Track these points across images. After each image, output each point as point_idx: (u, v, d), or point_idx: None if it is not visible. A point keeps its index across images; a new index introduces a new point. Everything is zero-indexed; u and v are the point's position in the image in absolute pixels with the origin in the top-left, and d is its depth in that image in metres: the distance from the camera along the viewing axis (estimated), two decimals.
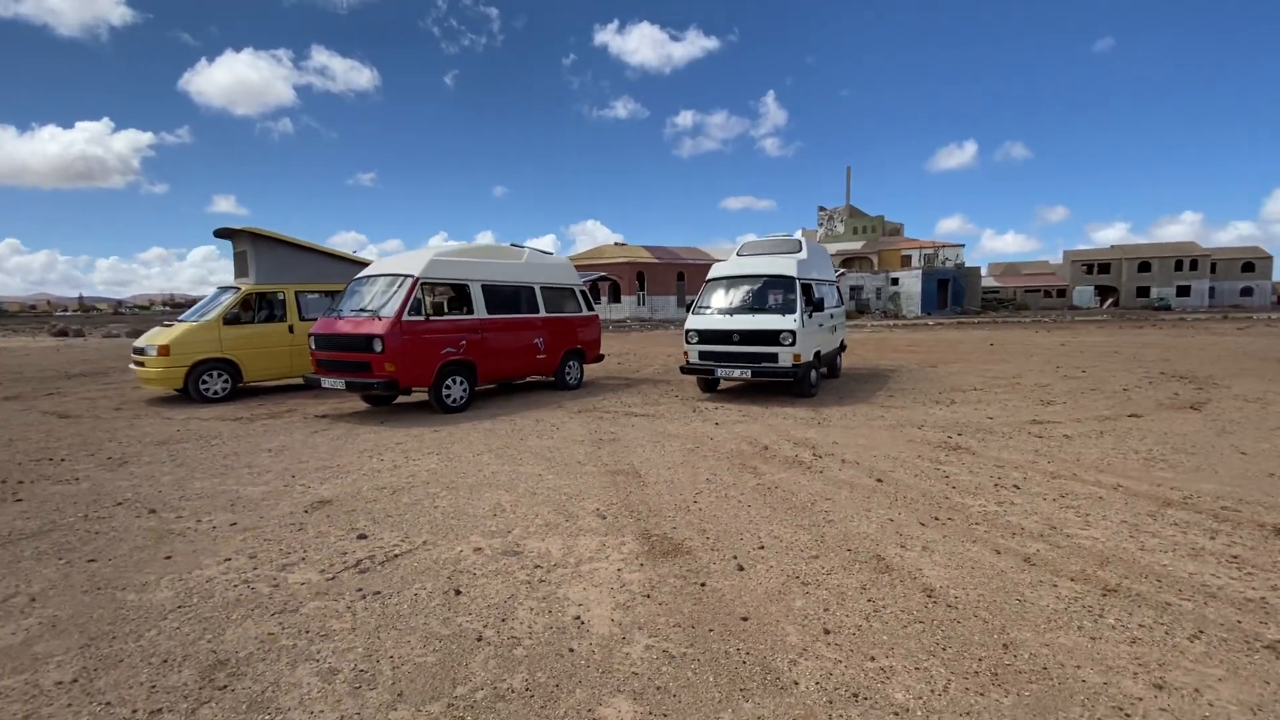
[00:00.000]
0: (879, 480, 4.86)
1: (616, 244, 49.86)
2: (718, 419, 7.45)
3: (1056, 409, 7.81)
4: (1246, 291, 61.36)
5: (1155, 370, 11.41)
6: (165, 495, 4.74)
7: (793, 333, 8.15)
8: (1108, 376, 10.69)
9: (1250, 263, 61.63)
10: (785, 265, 9.00)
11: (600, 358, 10.97)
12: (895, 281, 52.60)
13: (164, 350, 8.98)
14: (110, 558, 3.58)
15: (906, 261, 60.82)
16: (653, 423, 7.30)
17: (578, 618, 2.82)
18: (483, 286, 8.62)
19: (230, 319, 9.53)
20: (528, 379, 10.13)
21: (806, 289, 8.71)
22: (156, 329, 9.96)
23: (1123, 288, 64.37)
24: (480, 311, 8.48)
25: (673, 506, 4.31)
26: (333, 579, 3.26)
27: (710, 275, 9.50)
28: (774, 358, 8.28)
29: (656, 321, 39.53)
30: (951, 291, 51.68)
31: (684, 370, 8.96)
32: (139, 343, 9.52)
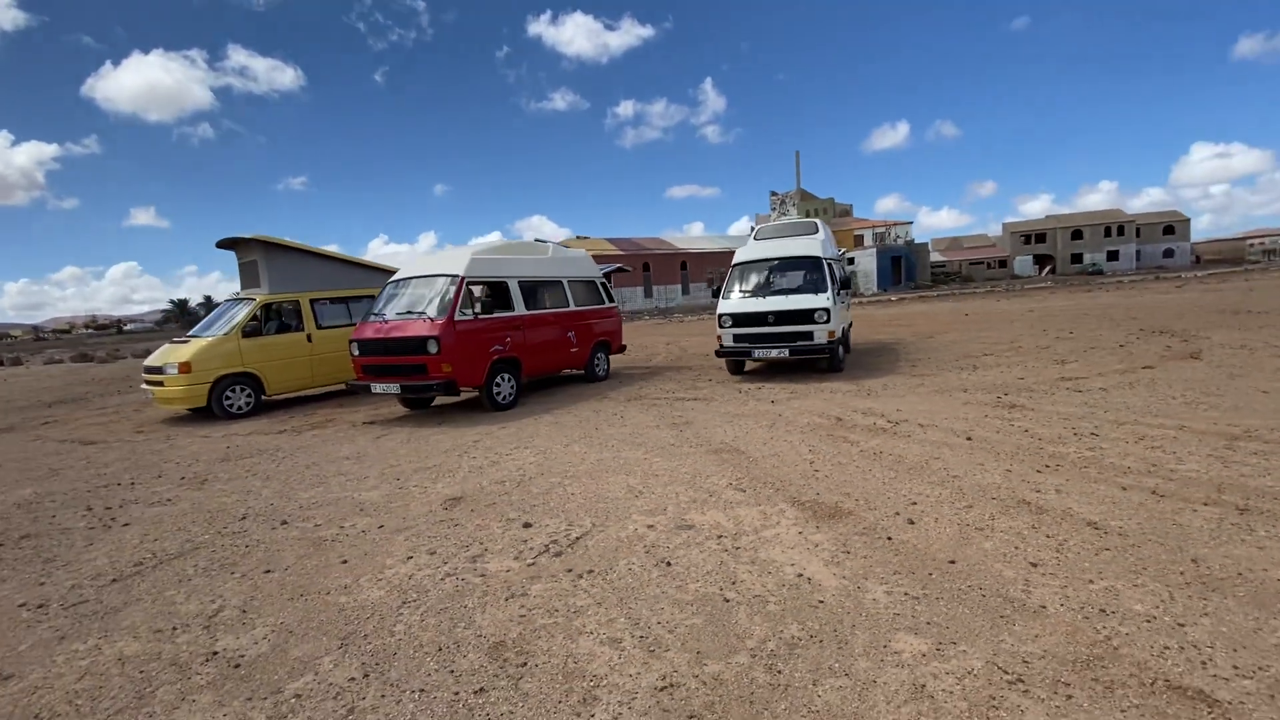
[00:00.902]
0: (969, 439, 5.20)
1: (578, 237, 49.64)
2: (770, 397, 7.71)
3: (1074, 366, 8.40)
4: (1168, 253, 65.81)
5: (1134, 327, 12.30)
6: (283, 507, 4.68)
7: (827, 310, 8.48)
8: (1097, 335, 11.47)
9: (1170, 225, 66.14)
10: (810, 246, 9.33)
11: (623, 348, 11.09)
12: (851, 260, 54.14)
13: (185, 367, 8.65)
14: (284, 567, 3.56)
15: (859, 241, 62.68)
16: (710, 405, 7.51)
17: (801, 574, 3.02)
18: (519, 283, 8.63)
19: (249, 331, 9.23)
20: (560, 373, 10.16)
21: (829, 268, 9.06)
22: (167, 346, 9.57)
23: (1058, 255, 68.04)
24: (519, 308, 8.50)
25: (798, 475, 4.54)
26: (533, 564, 3.35)
27: (735, 260, 9.75)
28: (809, 335, 8.60)
29: (629, 313, 39.66)
30: (905, 268, 53.58)
31: (719, 354, 9.19)
32: (152, 361, 9.13)
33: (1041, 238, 69.53)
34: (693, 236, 56.86)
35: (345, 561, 3.58)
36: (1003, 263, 70.92)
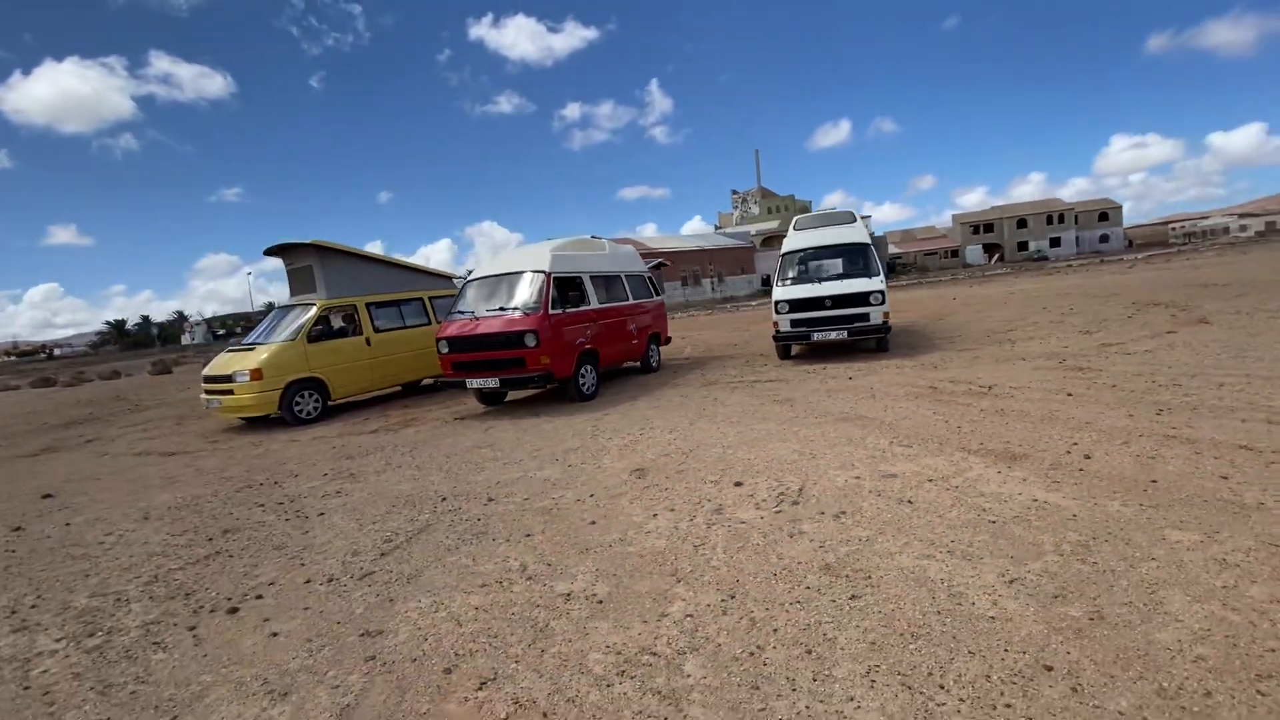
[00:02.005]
0: (1069, 395, 5.82)
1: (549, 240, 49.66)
2: (845, 375, 8.23)
3: (1102, 335, 9.22)
4: (1104, 238, 70.14)
5: (1124, 302, 13.39)
6: (471, 488, 4.91)
7: (882, 293, 9.09)
8: (1098, 310, 12.47)
9: (1105, 213, 70.56)
10: (856, 233, 9.95)
11: (669, 340, 11.49)
12: None
13: (257, 373, 8.62)
14: (539, 532, 3.84)
15: None
16: (791, 385, 7.98)
17: (1034, 500, 3.49)
18: (590, 278, 8.93)
19: (314, 336, 9.24)
20: (623, 365, 10.47)
21: (875, 254, 9.69)
22: (227, 355, 9.48)
23: (1005, 243, 71.63)
24: (593, 302, 8.80)
25: (945, 432, 5.04)
26: (780, 511, 3.73)
27: (784, 249, 10.27)
28: (866, 317, 9.18)
29: None
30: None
31: (777, 338, 9.70)
32: (215, 371, 9.04)
33: (990, 227, 73.04)
34: (661, 236, 57.50)
35: (594, 523, 3.88)
36: (954, 252, 74.16)
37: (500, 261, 8.85)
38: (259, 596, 3.35)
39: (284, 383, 8.83)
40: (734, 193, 75.03)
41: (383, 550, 3.80)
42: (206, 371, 9.24)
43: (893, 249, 76.52)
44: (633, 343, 9.85)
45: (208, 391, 9.10)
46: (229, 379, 8.72)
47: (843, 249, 9.90)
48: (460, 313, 8.27)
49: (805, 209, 75.32)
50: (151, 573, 3.84)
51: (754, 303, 37.44)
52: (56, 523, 5.21)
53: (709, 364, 10.97)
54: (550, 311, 7.73)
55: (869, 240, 9.74)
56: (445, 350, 8.07)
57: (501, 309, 7.93)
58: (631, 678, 2.30)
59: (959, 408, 5.79)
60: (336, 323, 9.74)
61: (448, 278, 11.94)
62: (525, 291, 7.93)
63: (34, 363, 77.50)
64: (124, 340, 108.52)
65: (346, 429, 8.26)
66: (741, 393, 7.77)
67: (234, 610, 3.22)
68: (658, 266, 11.74)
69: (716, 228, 73.10)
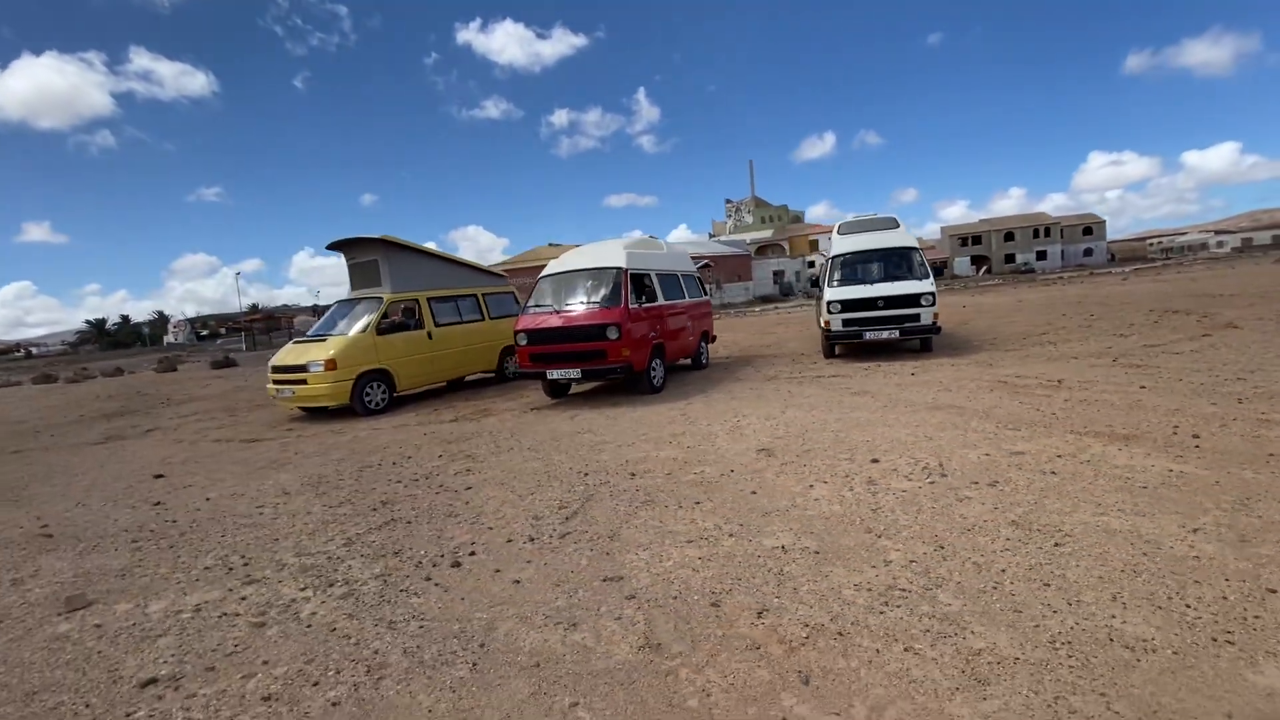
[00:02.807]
0: (1143, 387, 6.24)
1: (551, 244, 49.85)
2: (907, 371, 8.61)
3: (1139, 338, 9.72)
4: (1088, 252, 71.93)
5: (1143, 308, 13.99)
6: (605, 466, 5.17)
7: (932, 294, 9.51)
8: (1120, 316, 13.03)
9: (1089, 227, 72.43)
10: (903, 238, 10.39)
11: (715, 338, 11.82)
12: (811, 264, 56.58)
13: (331, 364, 8.79)
14: (706, 500, 4.13)
15: (814, 246, 65.42)
16: (854, 380, 8.34)
17: (1170, 470, 3.86)
18: (656, 275, 9.24)
19: (383, 329, 9.44)
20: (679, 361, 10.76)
21: (923, 257, 10.12)
22: (294, 346, 9.65)
23: (993, 255, 73.15)
24: (660, 299, 9.11)
25: (1044, 417, 5.41)
26: (934, 482, 4.06)
27: (834, 253, 10.66)
28: (916, 318, 9.59)
29: None
30: None
31: (830, 337, 10.07)
32: (286, 361, 9.20)
33: (977, 239, 74.56)
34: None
35: (754, 493, 4.18)
36: (943, 264, 75.51)
37: (574, 258, 9.13)
38: (471, 554, 3.60)
39: (356, 374, 9.01)
40: (728, 202, 75.94)
41: (565, 515, 4.07)
42: (275, 362, 9.38)
43: None
44: (689, 339, 10.17)
45: (277, 382, 9.25)
46: (302, 369, 8.88)
47: (891, 252, 10.32)
48: (538, 306, 8.53)
49: (797, 219, 76.34)
50: (342, 537, 4.06)
51: (757, 308, 37.94)
52: (192, 498, 5.38)
53: (753, 362, 11.31)
54: (629, 306, 8.03)
55: (916, 244, 10.17)
56: (524, 342, 8.32)
57: (581, 303, 8.21)
58: (897, 606, 2.61)
59: (1039, 399, 6.18)
60: (401, 317, 9.93)
61: (500, 275, 12.18)
62: (605, 287, 8.23)
63: (14, 360, 75.82)
64: (104, 340, 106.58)
65: (421, 419, 8.46)
66: (810, 386, 8.11)
67: (457, 564, 3.46)
68: (705, 267, 12.08)
69: (711, 235, 73.85)
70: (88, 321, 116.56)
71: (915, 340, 10.18)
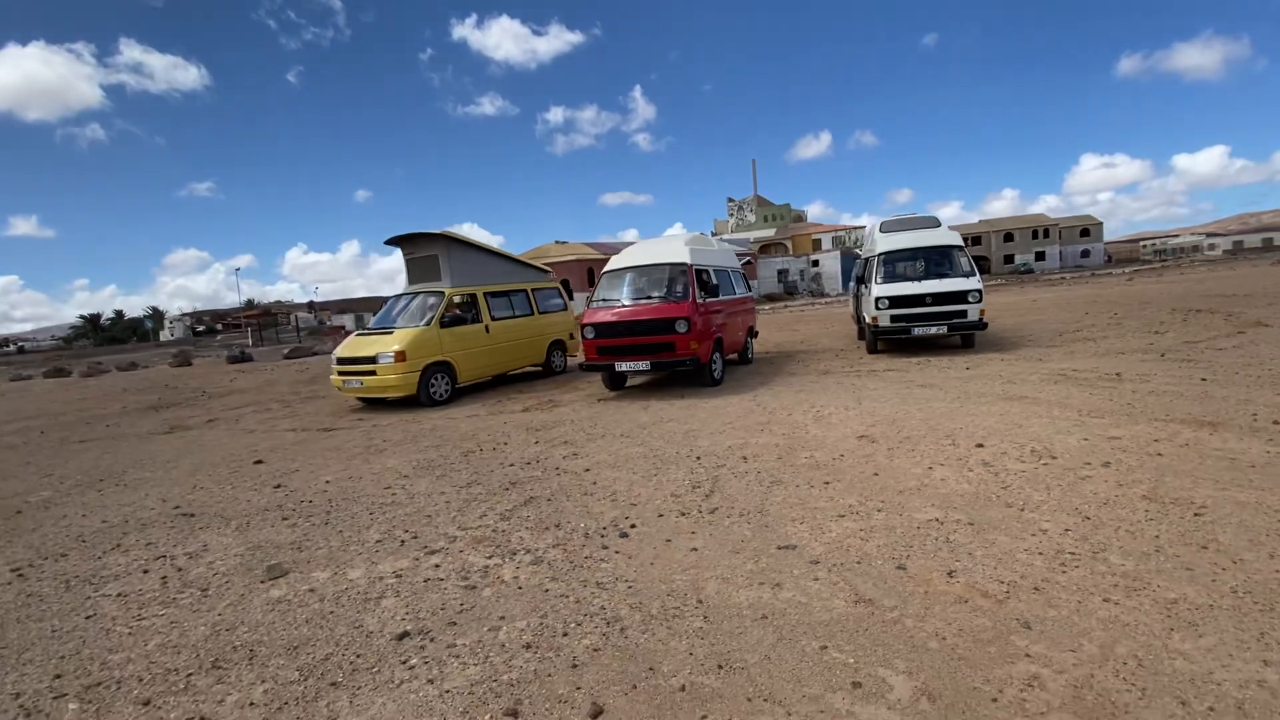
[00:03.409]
0: (1204, 379, 6.56)
1: (558, 242, 50.02)
2: (963, 365, 8.91)
3: (1175, 335, 10.05)
4: (1085, 254, 72.82)
5: (1164, 308, 14.37)
6: (713, 450, 5.43)
7: (980, 291, 9.82)
8: (1147, 315, 13.39)
9: (1086, 229, 73.34)
10: (948, 236, 10.69)
11: (756, 334, 12.10)
12: (816, 263, 57.02)
13: (401, 355, 9.00)
14: (835, 480, 4.39)
15: (817, 245, 65.89)
16: (909, 374, 8.62)
17: (1268, 451, 4.16)
18: (713, 271, 9.50)
19: (446, 322, 9.65)
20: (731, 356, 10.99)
21: (968, 255, 10.43)
22: (356, 338, 9.85)
23: (992, 256, 73.90)
24: (718, 294, 9.37)
25: (1119, 407, 5.71)
26: (1046, 464, 4.34)
27: (879, 250, 10.94)
28: (964, 314, 9.90)
29: None
30: None
31: (878, 333, 10.36)
32: (353, 353, 9.39)
33: (977, 240, 75.25)
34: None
35: (876, 475, 4.45)
36: None
37: (637, 255, 9.37)
38: (632, 526, 3.85)
39: (423, 365, 9.23)
40: (730, 200, 76.25)
41: (703, 494, 4.32)
42: (341, 354, 9.57)
43: None
44: (739, 334, 10.44)
45: (343, 373, 9.45)
46: (372, 360, 9.08)
47: (937, 250, 10.62)
48: (604, 301, 8.77)
49: (799, 218, 76.80)
50: (493, 513, 4.30)
51: (767, 307, 38.25)
52: (308, 481, 5.59)
53: (795, 357, 11.59)
54: (696, 301, 8.29)
55: (961, 242, 10.48)
56: (591, 336, 8.56)
57: (648, 298, 8.46)
58: (1075, 567, 2.88)
59: (1107, 390, 6.48)
60: (460, 310, 10.14)
61: (546, 270, 12.41)
62: (671, 282, 8.48)
63: (5, 356, 75.17)
64: (98, 335, 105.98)
65: (490, 410, 8.69)
66: (871, 379, 8.39)
67: (624, 535, 3.71)
68: (747, 263, 12.35)
69: (713, 234, 74.20)
70: (81, 316, 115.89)
71: (955, 336, 10.50)
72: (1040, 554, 3.04)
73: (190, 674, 2.60)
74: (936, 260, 10.59)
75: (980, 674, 2.19)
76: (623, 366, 8.34)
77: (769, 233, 67.67)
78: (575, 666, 2.43)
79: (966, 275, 10.08)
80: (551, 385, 10.58)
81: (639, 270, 8.93)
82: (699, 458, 5.23)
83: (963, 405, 6.35)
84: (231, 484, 5.74)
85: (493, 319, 10.50)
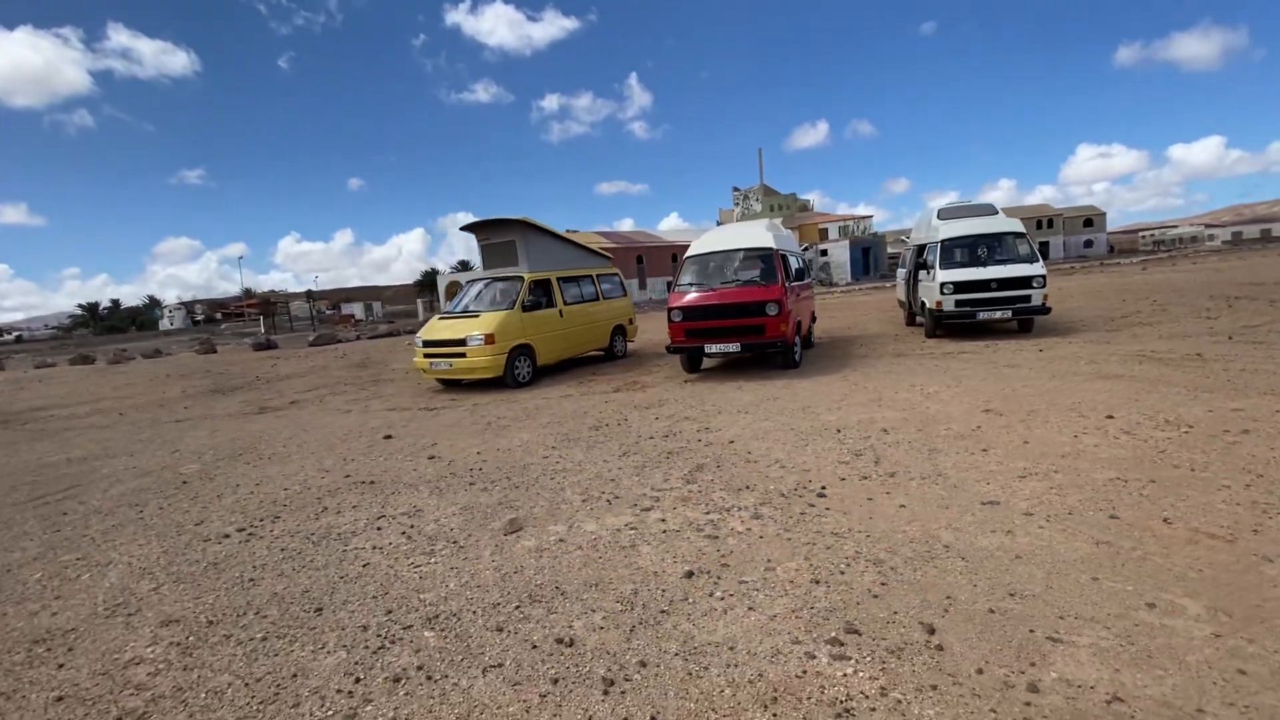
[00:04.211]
0: None
1: (569, 231, 50.14)
2: (1035, 348, 9.23)
3: (1228, 321, 10.40)
4: (1088, 244, 73.29)
5: (1201, 295, 14.74)
6: (844, 424, 5.74)
7: (1044, 276, 10.13)
8: (1187, 302, 13.74)
9: (1089, 219, 73.81)
10: (1009, 223, 10.99)
11: (815, 319, 12.40)
12: (825, 253, 57.24)
13: (490, 338, 9.26)
14: (1006, 449, 4.71)
15: (823, 234, 66.08)
16: (982, 355, 8.95)
17: None
18: (786, 255, 9.78)
19: (527, 306, 9.91)
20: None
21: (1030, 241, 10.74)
22: (439, 322, 10.10)
23: None
24: (794, 279, 9.66)
25: (1220, 383, 6.04)
26: (1186, 432, 4.66)
27: (941, 237, 11.21)
28: (1028, 299, 10.22)
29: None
30: (873, 259, 57.22)
31: (943, 317, 10.67)
32: (441, 335, 9.65)
33: None
34: (683, 228, 58.49)
35: (1026, 443, 4.77)
36: None
37: (719, 239, 9.65)
38: (823, 488, 4.15)
39: (509, 347, 9.49)
40: (735, 189, 76.35)
41: (871, 460, 4.63)
42: (426, 337, 9.83)
43: (890, 249, 78.59)
44: (807, 319, 10.74)
45: (430, 355, 9.70)
46: (462, 342, 9.34)
47: (1000, 236, 10.92)
48: (690, 285, 9.05)
49: (805, 208, 76.96)
50: (674, 477, 4.60)
51: None
52: (456, 453, 5.87)
53: (854, 342, 11.89)
54: (785, 284, 8.58)
55: (1023, 229, 10.79)
56: (679, 319, 8.83)
57: (734, 282, 8.74)
58: (1270, 521, 3.20)
59: (1197, 369, 6.82)
60: (539, 295, 10.40)
61: (607, 257, 12.66)
62: (757, 266, 8.76)
63: (5, 345, 74.81)
64: (97, 325, 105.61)
65: (581, 391, 8.97)
66: (953, 360, 8.71)
67: (822, 495, 4.02)
68: (806, 249, 12.62)
69: (719, 223, 74.29)
70: (80, 306, 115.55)
71: (1012, 322, 10.83)
72: (1238, 505, 3.36)
73: (517, 605, 2.89)
74: (999, 246, 10.89)
75: (1254, 595, 2.51)
76: (712, 349, 8.62)
77: (776, 222, 67.92)
78: (876, 596, 2.74)
79: (1029, 260, 10.40)
80: (621, 369, 10.86)
81: (726, 255, 9.20)
82: (838, 430, 5.54)
83: (1064, 383, 6.68)
84: (383, 456, 6.01)
85: (565, 304, 10.76)
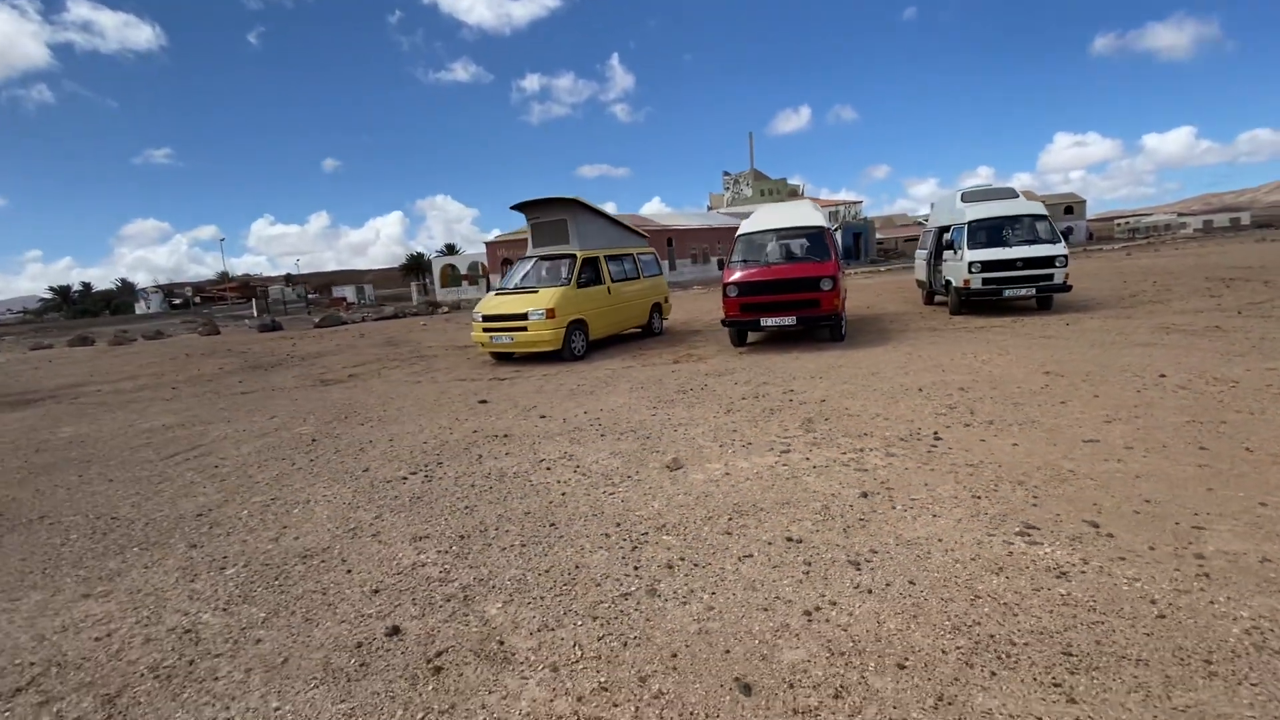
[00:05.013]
0: None
1: None
2: (1062, 322, 9.92)
3: (1231, 299, 11.18)
4: (1069, 231, 75.06)
5: (1195, 278, 15.63)
6: (922, 385, 6.32)
7: (1066, 256, 10.82)
8: (1185, 284, 14.59)
9: (1070, 206, 75.60)
10: (1032, 206, 11.67)
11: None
12: None
13: (551, 313, 9.69)
14: (1092, 402, 5.31)
15: None
16: (1021, 328, 9.61)
17: None
18: (838, 235, 10.33)
19: (581, 283, 10.34)
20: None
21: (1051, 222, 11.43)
22: (496, 298, 10.49)
23: None
24: (842, 257, 10.21)
25: (1250, 350, 6.72)
26: (1234, 387, 5.31)
27: (968, 218, 11.83)
28: (1050, 277, 10.91)
29: None
30: (864, 244, 58.19)
31: (973, 295, 11.31)
32: (501, 310, 10.05)
33: None
34: (670, 213, 58.74)
35: (1097, 396, 5.38)
36: None
37: (770, 218, 10.17)
38: (936, 434, 4.71)
39: (567, 321, 9.94)
40: (725, 174, 76.75)
41: (966, 410, 5.21)
42: (486, 312, 10.22)
43: (877, 234, 79.68)
44: (846, 295, 11.32)
45: (490, 329, 10.11)
46: (523, 317, 9.76)
47: (1022, 219, 11.58)
48: (744, 262, 9.55)
49: (794, 193, 77.61)
50: (793, 427, 5.13)
51: None
52: (570, 415, 6.33)
53: (879, 320, 12.51)
54: (838, 261, 9.14)
55: (1046, 212, 11.46)
56: (735, 294, 9.35)
57: (788, 258, 9.28)
58: None
59: (1221, 338, 7.51)
60: (589, 273, 10.82)
61: (644, 236, 13.10)
62: (809, 244, 9.31)
63: None
64: (69, 309, 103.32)
65: (641, 363, 9.45)
66: (991, 333, 9.35)
67: (939, 438, 4.58)
68: (838, 229, 13.20)
69: (709, 208, 74.68)
70: (51, 289, 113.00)
71: (1032, 300, 11.52)
72: None
73: (729, 518, 3.41)
74: (1022, 227, 11.55)
75: None
76: (768, 322, 9.16)
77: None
78: (1035, 505, 3.30)
79: (1052, 241, 11.07)
80: (666, 344, 11.34)
81: (779, 233, 9.72)
82: (920, 389, 6.12)
83: (1105, 350, 7.34)
84: (494, 416, 6.45)
85: (612, 281, 11.20)
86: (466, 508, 3.89)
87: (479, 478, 4.45)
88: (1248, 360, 6.23)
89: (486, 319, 10.18)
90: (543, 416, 6.24)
